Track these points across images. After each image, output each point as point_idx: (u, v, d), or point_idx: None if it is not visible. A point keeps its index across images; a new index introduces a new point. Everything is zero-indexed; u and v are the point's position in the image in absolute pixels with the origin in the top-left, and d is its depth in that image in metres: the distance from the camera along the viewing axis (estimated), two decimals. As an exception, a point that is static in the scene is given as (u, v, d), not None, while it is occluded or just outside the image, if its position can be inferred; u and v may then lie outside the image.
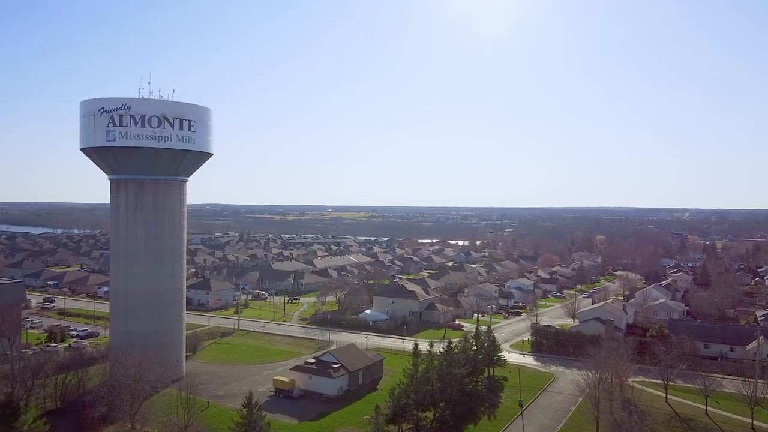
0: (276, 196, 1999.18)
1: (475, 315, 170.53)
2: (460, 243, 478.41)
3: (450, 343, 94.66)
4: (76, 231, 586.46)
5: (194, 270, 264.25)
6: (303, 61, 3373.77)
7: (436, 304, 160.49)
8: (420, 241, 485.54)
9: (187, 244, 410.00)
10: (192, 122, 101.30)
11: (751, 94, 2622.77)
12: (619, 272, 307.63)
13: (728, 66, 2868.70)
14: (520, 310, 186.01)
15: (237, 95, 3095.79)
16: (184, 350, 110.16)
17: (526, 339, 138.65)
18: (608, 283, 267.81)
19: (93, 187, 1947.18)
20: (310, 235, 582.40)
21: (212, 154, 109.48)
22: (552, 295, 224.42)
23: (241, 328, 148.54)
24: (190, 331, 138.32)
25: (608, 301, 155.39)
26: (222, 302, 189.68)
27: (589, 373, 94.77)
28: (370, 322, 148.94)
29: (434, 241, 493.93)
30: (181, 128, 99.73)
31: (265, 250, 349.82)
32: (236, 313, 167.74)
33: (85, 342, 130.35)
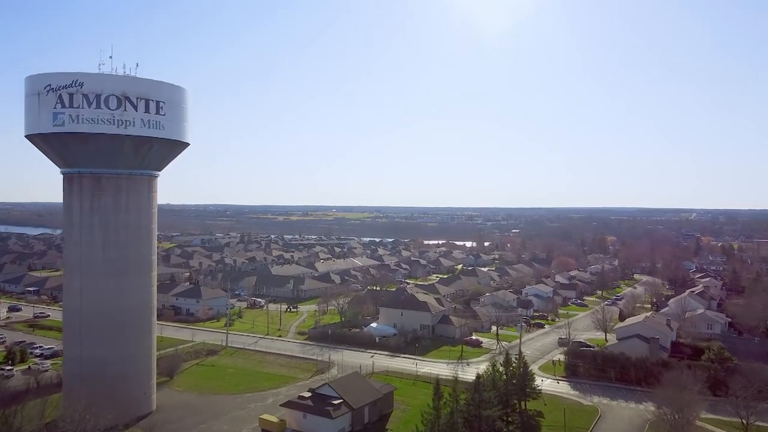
0: (280, 196, 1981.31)
1: (493, 327, 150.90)
2: (468, 244, 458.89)
3: (478, 377, 75.10)
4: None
5: (188, 274, 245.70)
6: (305, 62, 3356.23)
7: (450, 317, 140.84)
8: (426, 242, 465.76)
9: (185, 246, 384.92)
10: (161, 104, 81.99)
11: (752, 94, 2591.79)
12: (638, 276, 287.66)
13: (729, 65, 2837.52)
14: (543, 321, 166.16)
15: (239, 95, 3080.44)
16: (154, 379, 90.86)
17: (557, 359, 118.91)
18: (629, 289, 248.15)
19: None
20: (313, 236, 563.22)
21: (188, 144, 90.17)
22: (572, 303, 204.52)
23: (230, 344, 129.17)
24: (170, 349, 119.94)
25: (648, 315, 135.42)
26: (213, 312, 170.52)
27: (648, 408, 75.47)
28: (377, 339, 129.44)
29: (440, 242, 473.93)
30: (147, 111, 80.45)
31: (266, 253, 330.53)
32: (227, 326, 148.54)
33: (47, 363, 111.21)
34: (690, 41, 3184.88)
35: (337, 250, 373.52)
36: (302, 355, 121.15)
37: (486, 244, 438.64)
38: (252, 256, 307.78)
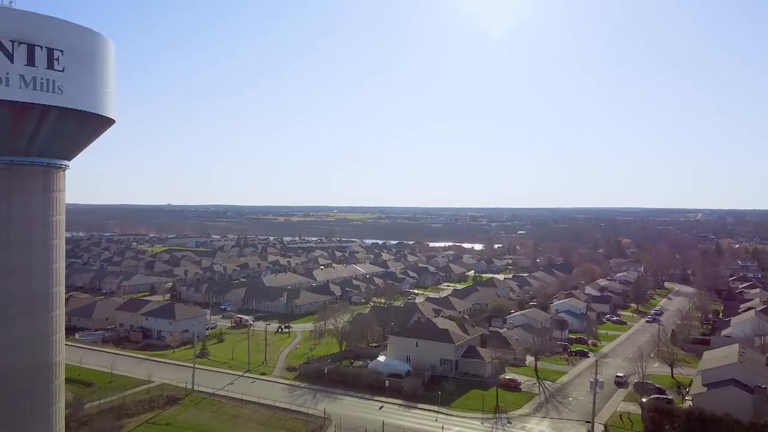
0: (281, 196, 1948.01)
1: (528, 357, 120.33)
2: (475, 247, 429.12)
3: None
4: (67, 234, 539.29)
5: (171, 284, 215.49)
6: (307, 64, 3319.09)
7: (477, 349, 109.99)
8: (432, 244, 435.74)
9: (176, 250, 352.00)
10: (56, 53, 51.28)
11: (749, 93, 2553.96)
12: (668, 285, 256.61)
13: (720, 66, 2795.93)
14: (583, 347, 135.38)
15: (240, 96, 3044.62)
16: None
17: (627, 412, 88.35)
18: (664, 300, 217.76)
19: (101, 186, 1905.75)
20: (313, 238, 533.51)
21: (112, 121, 59.44)
22: (607, 319, 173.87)
23: (197, 386, 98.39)
24: (115, 397, 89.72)
25: (743, 350, 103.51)
26: (189, 335, 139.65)
27: None
28: (386, 381, 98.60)
29: (447, 244, 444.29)
30: (31, 62, 49.80)
31: (261, 258, 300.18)
32: (199, 356, 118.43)
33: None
34: (692, 40, 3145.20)
35: (338, 254, 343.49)
36: (289, 406, 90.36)
37: (496, 246, 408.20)
38: (245, 262, 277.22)
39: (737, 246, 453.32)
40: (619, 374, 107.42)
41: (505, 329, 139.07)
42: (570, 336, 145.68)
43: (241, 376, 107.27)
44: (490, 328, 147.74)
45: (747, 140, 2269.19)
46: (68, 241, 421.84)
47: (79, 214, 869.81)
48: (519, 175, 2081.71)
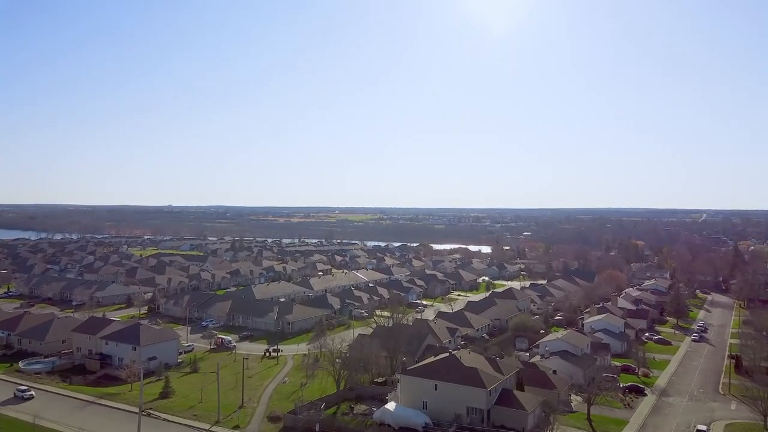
0: (281, 197, 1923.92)
1: (574, 398, 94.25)
2: (482, 249, 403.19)
3: None
4: (59, 236, 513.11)
5: (150, 295, 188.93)
6: (307, 64, 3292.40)
7: (515, 394, 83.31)
8: (436, 247, 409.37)
9: (165, 255, 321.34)
10: None
11: (749, 92, 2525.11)
12: (700, 294, 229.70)
13: (716, 70, 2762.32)
14: (635, 379, 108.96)
15: (240, 98, 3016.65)
16: None
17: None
18: (702, 312, 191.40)
19: (102, 187, 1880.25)
20: (313, 240, 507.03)
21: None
22: (647, 338, 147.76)
23: (146, 450, 72.20)
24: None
25: None
26: (157, 363, 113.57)
27: None
28: (399, 444, 72.28)
29: (452, 247, 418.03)
30: None
31: (255, 263, 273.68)
32: (164, 396, 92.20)
33: None
34: (694, 40, 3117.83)
35: (338, 258, 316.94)
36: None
37: (505, 248, 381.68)
38: (236, 268, 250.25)
39: (752, 248, 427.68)
40: (700, 427, 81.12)
41: (537, 357, 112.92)
42: (613, 363, 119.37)
43: (208, 431, 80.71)
44: (517, 352, 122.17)
45: (747, 140, 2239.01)
46: (51, 244, 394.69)
47: (79, 215, 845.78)
48: (520, 176, 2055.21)
